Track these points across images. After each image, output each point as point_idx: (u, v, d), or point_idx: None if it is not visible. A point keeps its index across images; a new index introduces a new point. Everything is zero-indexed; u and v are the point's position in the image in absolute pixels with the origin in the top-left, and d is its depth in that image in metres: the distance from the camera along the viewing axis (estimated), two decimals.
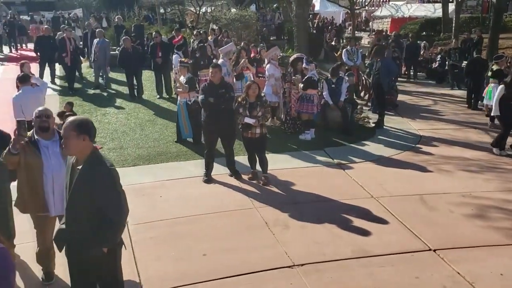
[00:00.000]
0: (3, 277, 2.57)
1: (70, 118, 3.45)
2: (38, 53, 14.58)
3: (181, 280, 4.76)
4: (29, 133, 4.48)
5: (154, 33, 14.51)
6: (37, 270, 4.86)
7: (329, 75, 10.61)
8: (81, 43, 16.43)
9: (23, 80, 8.14)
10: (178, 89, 9.49)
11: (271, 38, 22.07)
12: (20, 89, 8.09)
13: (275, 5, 27.85)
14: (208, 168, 7.66)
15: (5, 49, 21.22)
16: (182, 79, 9.29)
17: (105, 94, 13.67)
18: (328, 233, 5.80)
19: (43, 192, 4.37)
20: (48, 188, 4.33)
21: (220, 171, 7.83)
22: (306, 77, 9.84)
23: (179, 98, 9.55)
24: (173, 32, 15.69)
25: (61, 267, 4.86)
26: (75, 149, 3.35)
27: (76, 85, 14.21)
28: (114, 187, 3.37)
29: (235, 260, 5.14)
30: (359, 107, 12.05)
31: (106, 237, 3.41)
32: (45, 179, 4.34)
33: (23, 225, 4.98)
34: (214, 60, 10.84)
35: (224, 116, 7.43)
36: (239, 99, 7.55)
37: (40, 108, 4.54)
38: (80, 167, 3.35)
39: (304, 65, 10.07)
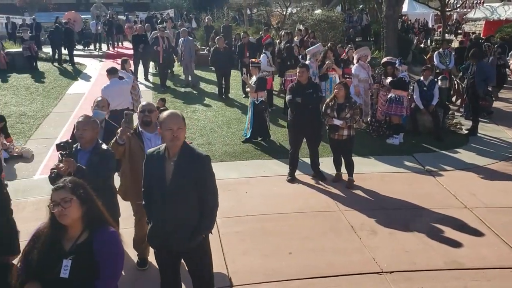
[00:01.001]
0: (114, 259, 2.76)
1: (172, 111, 3.57)
2: (135, 49, 15.37)
3: (269, 276, 4.83)
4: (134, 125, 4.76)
5: (242, 33, 14.81)
6: (133, 255, 5.15)
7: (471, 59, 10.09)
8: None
9: (112, 72, 8.74)
10: (248, 89, 9.64)
11: (357, 40, 21.67)
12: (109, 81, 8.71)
13: (361, 6, 27.29)
14: (293, 167, 7.69)
15: (104, 47, 22.71)
16: (253, 79, 9.42)
17: (194, 92, 14.18)
18: (419, 241, 5.60)
19: None
20: None
21: (304, 171, 7.83)
22: (397, 78, 9.56)
23: (249, 97, 9.73)
24: (261, 33, 15.91)
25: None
26: (182, 140, 3.49)
27: (168, 82, 14.86)
28: (212, 175, 3.53)
29: (321, 261, 5.12)
30: (450, 112, 11.50)
31: (206, 224, 3.58)
32: None
33: (123, 211, 5.30)
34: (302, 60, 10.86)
35: (310, 117, 7.41)
36: (327, 100, 7.49)
37: (143, 103, 4.81)
38: (175, 159, 3.46)
39: (396, 65, 9.80)
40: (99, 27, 22.37)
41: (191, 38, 15.31)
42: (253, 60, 10.40)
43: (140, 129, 4.69)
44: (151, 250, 5.00)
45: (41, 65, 17.34)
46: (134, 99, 9.59)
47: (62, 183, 2.70)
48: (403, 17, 29.59)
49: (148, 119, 4.69)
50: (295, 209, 6.52)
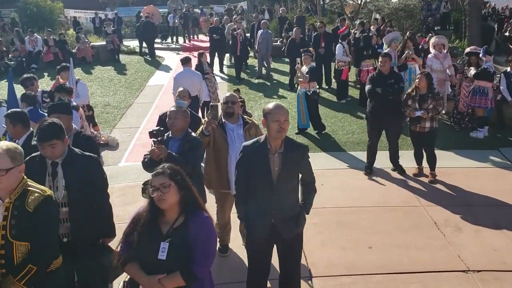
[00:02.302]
0: (207, 243, 2.87)
1: (277, 103, 3.59)
2: (211, 42, 15.71)
3: (349, 269, 4.79)
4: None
5: (318, 23, 14.64)
6: None
7: None
8: (248, 34, 17.32)
9: (185, 61, 9.24)
10: (299, 79, 9.42)
11: (436, 28, 20.72)
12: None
13: None
14: (371, 160, 7.53)
15: (180, 40, 23.40)
16: (304, 68, 9.24)
17: (268, 83, 14.27)
18: (509, 240, 5.30)
19: (227, 171, 4.75)
20: (231, 168, 4.67)
21: (382, 164, 7.65)
22: (481, 68, 9.05)
23: (299, 87, 9.57)
24: (336, 22, 15.66)
25: (234, 242, 5.26)
26: (287, 132, 3.56)
27: (242, 74, 15.07)
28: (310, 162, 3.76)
29: (404, 257, 5.00)
30: None
31: (308, 209, 3.86)
32: (229, 160, 4.71)
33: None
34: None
35: (391, 108, 7.20)
36: (409, 91, 7.25)
37: (227, 95, 4.92)
38: (281, 150, 3.55)
39: (480, 55, 9.27)
40: (176, 21, 23.05)
41: (270, 31, 15.39)
42: (308, 49, 10.16)
43: (223, 120, 4.81)
44: (233, 238, 5.17)
45: (122, 58, 18.21)
46: (211, 91, 9.84)
47: (162, 169, 2.83)
48: (486, 4, 27.89)
49: (231, 110, 4.79)
50: (374, 203, 6.40)
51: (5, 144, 2.88)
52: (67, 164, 3.49)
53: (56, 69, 8.90)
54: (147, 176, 3.51)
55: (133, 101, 12.85)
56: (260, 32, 14.78)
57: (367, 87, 7.41)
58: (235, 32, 14.54)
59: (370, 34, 12.17)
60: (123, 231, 2.94)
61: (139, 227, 2.82)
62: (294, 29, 13.71)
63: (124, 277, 3.04)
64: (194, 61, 10.55)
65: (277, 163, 3.53)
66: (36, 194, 2.88)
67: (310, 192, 3.86)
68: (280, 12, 20.50)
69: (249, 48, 16.17)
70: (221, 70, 15.82)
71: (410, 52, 10.30)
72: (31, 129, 4.89)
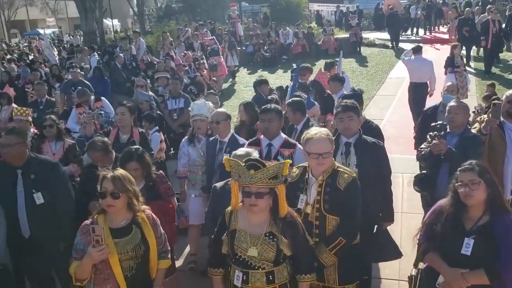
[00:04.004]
0: None
1: None
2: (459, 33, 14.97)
3: None
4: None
5: None
6: None
7: None
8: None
9: (416, 50, 9.58)
10: None
11: None
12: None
13: None
14: None
15: (420, 32, 22.73)
16: None
17: None
18: None
19: (502, 173, 4.62)
20: (508, 170, 4.55)
21: None
22: None
23: None
24: None
25: None
26: None
27: (493, 68, 13.95)
28: None
29: None
30: None
31: None
32: (506, 161, 4.58)
33: None
34: None
35: None
36: None
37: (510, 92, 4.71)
38: None
39: None
40: (418, 12, 22.45)
41: None
42: None
43: (502, 119, 4.69)
44: None
45: (363, 50, 18.70)
46: (460, 85, 9.51)
47: (470, 166, 2.96)
48: None
49: None
50: None
51: (325, 130, 3.43)
52: (358, 145, 3.98)
53: (325, 63, 9.73)
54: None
55: (375, 93, 13.20)
56: None
57: None
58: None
59: None
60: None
61: (442, 219, 2.97)
62: None
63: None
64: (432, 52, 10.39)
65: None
66: (346, 175, 3.35)
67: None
68: None
69: (504, 40, 14.81)
70: (468, 64, 14.89)
71: None
72: (307, 116, 5.64)
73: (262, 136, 4.51)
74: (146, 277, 3.17)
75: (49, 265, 4.33)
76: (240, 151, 3.79)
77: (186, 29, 18.36)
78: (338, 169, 3.41)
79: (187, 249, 5.54)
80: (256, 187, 2.86)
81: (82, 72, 11.64)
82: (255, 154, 3.76)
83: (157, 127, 6.84)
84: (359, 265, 3.62)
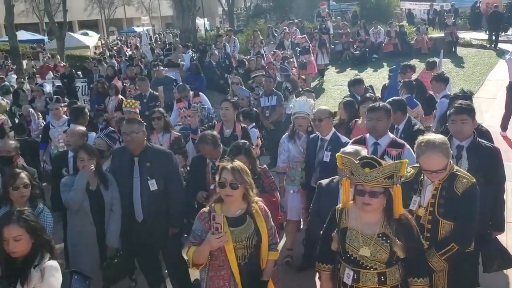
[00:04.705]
0: None
1: None
2: None
3: None
4: None
5: None
6: None
7: None
8: None
9: None
10: None
11: None
12: None
13: None
14: None
15: None
16: None
17: None
18: None
19: None
20: None
21: None
22: None
23: None
24: None
25: None
26: None
27: None
28: None
29: None
30: None
31: None
32: None
33: None
34: None
35: None
36: None
37: None
38: None
39: None
40: None
41: None
42: None
43: None
44: None
45: (458, 50, 17.76)
46: None
47: None
48: None
49: None
50: None
51: (440, 139, 3.26)
52: (472, 149, 3.83)
53: (427, 62, 9.36)
54: None
55: (473, 95, 12.50)
56: None
57: None
58: None
59: None
60: None
61: None
62: None
63: None
64: None
65: None
66: (464, 180, 3.22)
67: None
68: None
69: None
70: None
71: None
72: (407, 115, 5.48)
73: (367, 134, 4.47)
74: (257, 266, 3.28)
75: (157, 248, 4.61)
76: (349, 148, 3.79)
77: (284, 27, 18.45)
78: (457, 172, 3.29)
79: (282, 242, 5.63)
80: (371, 186, 2.84)
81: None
82: (363, 152, 3.74)
83: (254, 123, 7.00)
84: (471, 273, 3.49)
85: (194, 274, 4.75)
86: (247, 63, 13.71)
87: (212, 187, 4.65)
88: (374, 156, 3.04)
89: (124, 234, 4.39)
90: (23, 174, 3.76)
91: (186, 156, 5.94)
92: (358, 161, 2.91)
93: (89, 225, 4.20)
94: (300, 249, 5.37)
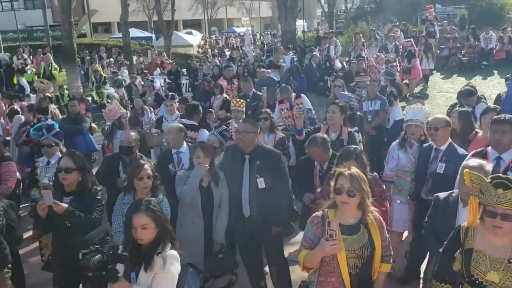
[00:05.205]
0: None
1: None
2: None
3: None
4: None
5: None
6: None
7: None
8: None
9: None
10: None
11: None
12: None
13: None
14: None
15: None
16: None
17: None
18: None
19: None
20: None
21: None
22: None
23: None
24: None
25: None
26: None
27: None
28: None
29: None
30: None
31: None
32: None
33: None
34: None
35: None
36: None
37: None
38: None
39: None
40: None
41: None
42: None
43: None
44: None
45: None
46: None
47: None
48: None
49: None
50: None
51: None
52: None
53: None
54: None
55: None
56: None
57: None
58: None
59: None
60: None
61: None
62: None
63: None
64: None
65: None
66: None
67: None
68: None
69: None
70: None
71: None
72: None
73: (489, 148, 4.18)
74: (368, 277, 3.20)
75: (260, 246, 4.69)
76: (473, 162, 3.56)
77: (396, 29, 17.86)
78: None
79: None
80: (503, 208, 2.65)
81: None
82: (488, 167, 3.51)
83: (357, 128, 6.84)
84: None
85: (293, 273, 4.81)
86: (346, 66, 13.46)
87: (318, 190, 4.64)
88: (509, 177, 2.82)
89: (230, 230, 4.53)
90: (147, 166, 4.01)
91: (289, 157, 5.97)
92: (489, 180, 2.72)
93: (198, 218, 4.39)
94: (403, 261, 5.17)
